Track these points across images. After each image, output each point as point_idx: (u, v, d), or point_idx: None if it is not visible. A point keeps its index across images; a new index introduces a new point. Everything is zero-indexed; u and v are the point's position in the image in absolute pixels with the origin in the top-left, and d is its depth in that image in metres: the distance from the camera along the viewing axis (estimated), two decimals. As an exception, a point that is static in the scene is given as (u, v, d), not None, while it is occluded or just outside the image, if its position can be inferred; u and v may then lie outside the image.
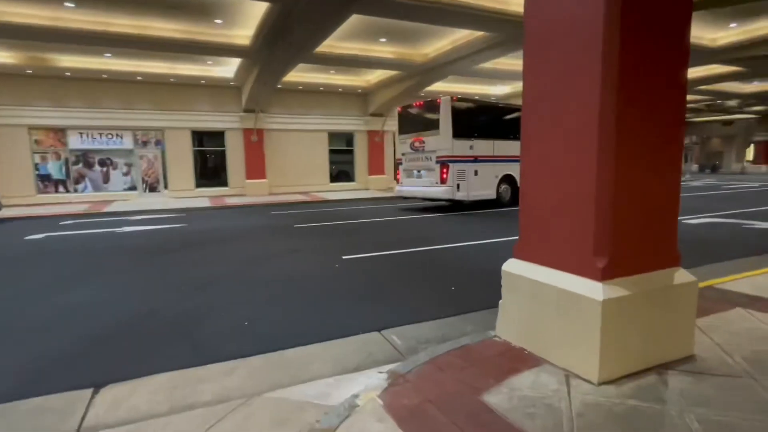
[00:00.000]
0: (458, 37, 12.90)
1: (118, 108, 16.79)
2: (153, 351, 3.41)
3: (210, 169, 19.17)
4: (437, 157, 11.64)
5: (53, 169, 16.42)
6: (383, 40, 13.34)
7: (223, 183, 19.10)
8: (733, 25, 12.63)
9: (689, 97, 25.32)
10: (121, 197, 17.17)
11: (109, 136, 16.91)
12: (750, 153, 39.29)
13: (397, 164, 13.41)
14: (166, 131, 17.69)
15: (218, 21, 11.45)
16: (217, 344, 3.50)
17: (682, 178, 17.51)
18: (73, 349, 3.45)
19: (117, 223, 11.23)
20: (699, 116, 35.34)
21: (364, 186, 21.60)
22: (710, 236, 7.70)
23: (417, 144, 12.25)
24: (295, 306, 4.40)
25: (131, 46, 12.32)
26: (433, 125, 11.68)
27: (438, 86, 19.32)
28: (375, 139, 21.34)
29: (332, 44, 13.33)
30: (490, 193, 12.28)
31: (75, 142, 16.50)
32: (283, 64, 13.55)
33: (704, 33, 13.31)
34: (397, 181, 13.32)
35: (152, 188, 17.68)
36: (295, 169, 20.14)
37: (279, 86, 17.84)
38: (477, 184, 11.85)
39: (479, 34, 12.02)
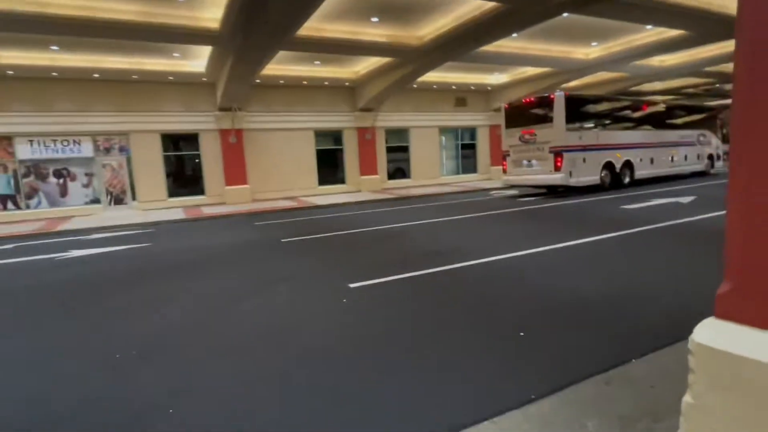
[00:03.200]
0: (461, 13, 11.25)
1: (73, 111, 14.72)
2: None
3: (184, 176, 17.19)
4: (551, 147, 12.82)
5: (0, 183, 14.29)
6: (375, 19, 11.62)
7: (200, 191, 17.12)
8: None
9: (690, 81, 24.19)
10: (82, 212, 15.10)
11: (65, 143, 14.83)
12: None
13: (504, 155, 14.59)
14: (132, 135, 15.67)
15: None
16: None
17: None
18: None
19: (66, 245, 9.28)
20: (677, 102, 34.43)
21: (356, 187, 19.84)
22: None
23: (527, 136, 13.48)
24: (293, 392, 2.65)
25: (78, 33, 10.36)
26: (546, 119, 12.97)
27: (431, 76, 17.68)
28: (366, 137, 19.60)
29: (317, 26, 11.57)
30: (595, 179, 13.56)
31: (24, 151, 14.38)
32: (261, 52, 11.72)
33: (731, 2, 11.89)
34: (504, 171, 14.63)
35: (118, 200, 15.65)
36: (280, 172, 18.27)
37: (258, 81, 15.99)
38: (585, 170, 13.19)
39: (488, 6, 10.38)
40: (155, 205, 16.07)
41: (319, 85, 17.90)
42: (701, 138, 17.76)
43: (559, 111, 12.68)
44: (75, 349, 3.58)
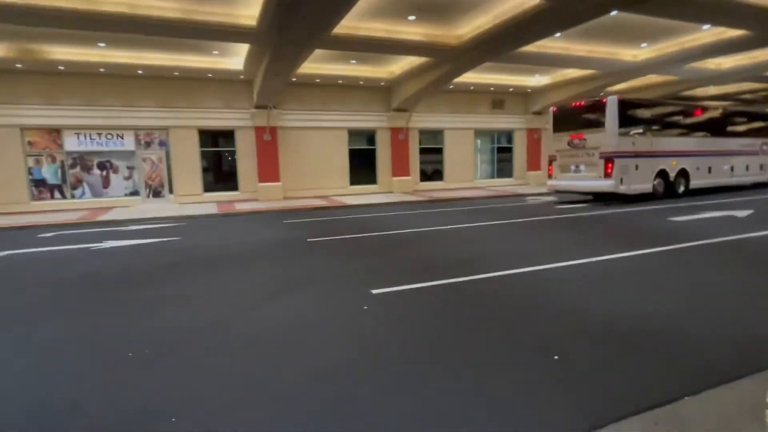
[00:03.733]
0: (502, 11, 10.83)
1: (118, 105, 15.28)
2: None
3: (219, 171, 17.53)
4: (601, 152, 12.44)
5: (48, 173, 15.00)
6: (412, 18, 11.37)
7: (234, 187, 17.41)
8: None
9: (747, 86, 22.57)
10: (122, 203, 15.65)
11: (109, 137, 15.41)
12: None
13: (550, 160, 14.25)
14: (171, 130, 16.11)
15: (219, -4, 9.72)
16: None
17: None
18: None
19: (102, 235, 9.56)
20: (739, 108, 32.17)
21: (388, 188, 19.65)
22: None
23: (576, 141, 13.17)
24: (296, 407, 2.45)
25: (123, 30, 10.68)
26: (597, 123, 12.61)
27: (468, 76, 17.25)
28: (399, 137, 19.37)
29: (353, 25, 11.45)
30: (647, 187, 13.03)
31: (72, 143, 15.04)
32: (297, 49, 11.71)
33: (804, -1, 10.90)
34: (549, 176, 14.27)
35: (156, 193, 16.13)
36: (313, 170, 18.33)
37: (294, 79, 16.07)
38: (637, 178, 12.70)
39: (530, 3, 9.92)
40: (190, 199, 16.46)
41: (355, 84, 17.82)
42: (765, 147, 16.61)
43: (611, 115, 12.30)
44: (81, 345, 3.54)
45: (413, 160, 20.10)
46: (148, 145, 15.99)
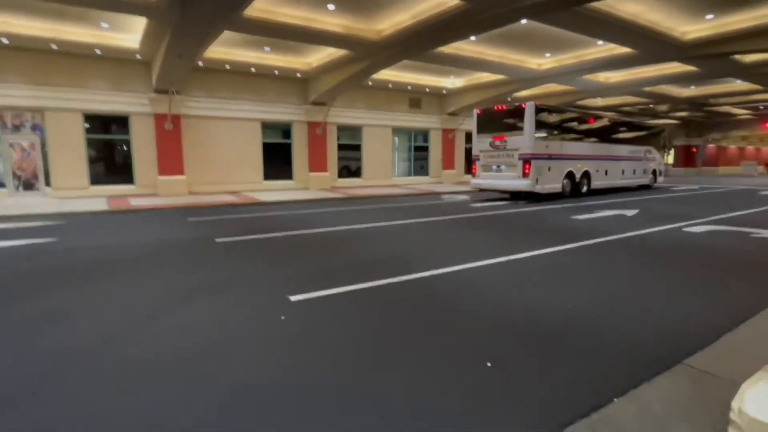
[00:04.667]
0: (422, 9, 10.83)
1: (-25, 80, 12.71)
2: None
3: (111, 162, 15.46)
4: (520, 154, 13.24)
5: None
6: (332, 7, 10.91)
7: (129, 180, 15.47)
8: (710, 16, 11.82)
9: (628, 99, 25.61)
10: (-19, 197, 13.08)
11: (-37, 117, 12.75)
12: (670, 157, 41.75)
13: (473, 160, 14.96)
14: (47, 113, 13.79)
15: (107, -41, 8.39)
16: None
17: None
18: None
19: (-52, 236, 7.76)
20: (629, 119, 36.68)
21: (305, 185, 18.91)
22: (738, 253, 6.28)
23: (498, 143, 13.95)
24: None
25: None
26: (516, 126, 13.45)
27: (386, 74, 17.25)
28: (317, 132, 18.74)
29: (267, 8, 10.70)
30: (557, 187, 14.09)
31: None
32: (202, 29, 10.60)
33: (677, 24, 12.45)
34: (473, 175, 14.97)
35: (28, 185, 13.72)
36: (222, 164, 16.97)
37: (200, 63, 14.73)
38: (549, 178, 13.70)
39: (449, 4, 10.02)
40: (74, 193, 14.27)
41: (269, 74, 16.82)
42: (647, 154, 18.91)
43: (529, 119, 13.10)
44: None
45: (331, 155, 19.59)
46: (16, 128, 13.53)
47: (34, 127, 13.73)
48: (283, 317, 3.73)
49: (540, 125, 13.45)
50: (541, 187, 13.46)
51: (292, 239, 7.51)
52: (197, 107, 16.13)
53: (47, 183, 14.00)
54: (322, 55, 15.25)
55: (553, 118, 14.43)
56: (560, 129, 14.57)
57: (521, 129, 13.30)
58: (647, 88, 21.22)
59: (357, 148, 20.70)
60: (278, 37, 12.40)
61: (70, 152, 14.22)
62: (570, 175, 14.63)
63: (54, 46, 12.98)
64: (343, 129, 20.08)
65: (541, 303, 4.06)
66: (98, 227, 8.99)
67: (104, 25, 12.01)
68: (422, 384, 2.62)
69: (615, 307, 3.97)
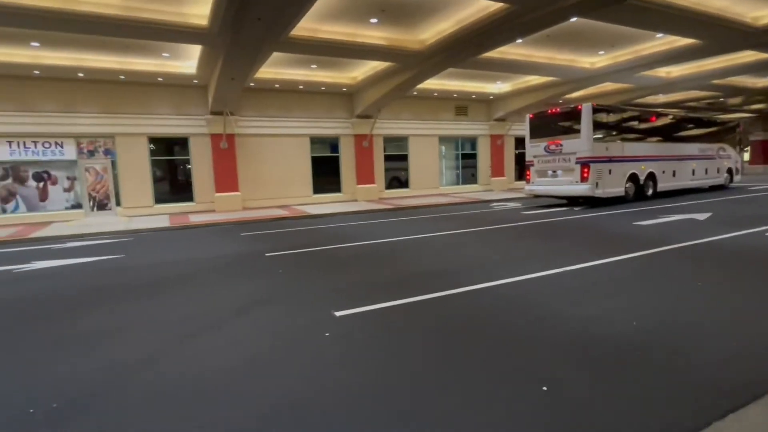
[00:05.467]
0: (465, 15, 10.66)
1: (56, 111, 14.03)
2: None
3: (173, 181, 16.47)
4: (577, 158, 12.68)
5: (-25, 185, 13.54)
6: (374, 20, 11.02)
7: (189, 198, 16.39)
8: (787, -3, 10.70)
9: (693, 94, 23.77)
10: (62, 217, 14.34)
11: (47, 145, 14.12)
12: (746, 154, 38.20)
13: (527, 165, 14.45)
14: (118, 138, 14.97)
15: (165, -7, 9.00)
16: None
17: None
18: None
19: (32, 255, 8.52)
20: (697, 114, 34.04)
21: (353, 197, 19.14)
22: None
23: (553, 147, 13.43)
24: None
25: (57, 28, 9.73)
26: (572, 129, 12.92)
27: (431, 83, 17.12)
28: (363, 144, 18.95)
29: (312, 27, 10.98)
30: (620, 190, 13.37)
31: (2, 152, 13.64)
32: (252, 52, 11.07)
33: (748, 9, 11.38)
34: (527, 181, 14.46)
35: (101, 206, 14.86)
36: (274, 179, 17.56)
37: (251, 84, 15.39)
38: (610, 182, 13.03)
39: (493, 8, 9.79)
40: (140, 211, 15.33)
41: (316, 90, 17.29)
42: (720, 152, 17.49)
43: (586, 121, 12.55)
44: (-18, 399, 2.84)
45: (378, 167, 19.72)
46: (91, 153, 14.78)
47: (106, 152, 14.93)
48: (327, 334, 3.69)
49: (598, 126, 12.82)
50: (602, 192, 12.79)
51: (339, 252, 7.54)
52: (249, 126, 16.85)
53: (117, 203, 15.13)
54: (366, 69, 15.44)
55: (612, 118, 13.70)
56: (620, 129, 13.81)
57: (578, 131, 12.75)
58: (715, 81, 19.54)
59: (404, 158, 20.69)
60: (323, 54, 12.70)
61: (137, 174, 15.31)
62: (633, 178, 13.78)
63: (122, 77, 14.11)
64: (389, 140, 20.17)
65: (603, 320, 3.73)
66: (161, 243, 9.52)
67: (165, 54, 12.88)
68: (468, 408, 2.45)
69: (691, 325, 3.56)
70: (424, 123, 20.62)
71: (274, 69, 14.70)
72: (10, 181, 13.90)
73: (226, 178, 16.36)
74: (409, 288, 4.92)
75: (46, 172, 14.32)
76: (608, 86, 19.73)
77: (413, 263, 6.36)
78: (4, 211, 13.88)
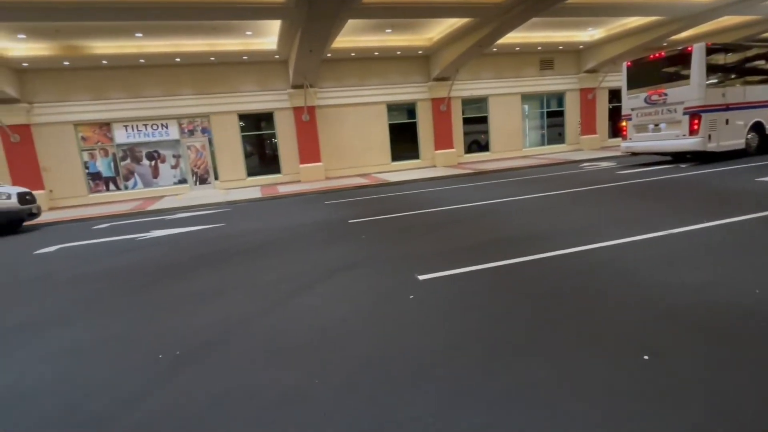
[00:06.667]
0: (551, -44, 9.68)
1: (160, 95, 15.53)
2: None
3: (261, 155, 17.58)
4: (685, 108, 11.36)
5: (102, 166, 15.63)
6: (450, -26, 10.45)
7: (276, 170, 17.43)
8: None
9: None
10: (171, 192, 16.11)
11: (154, 127, 15.76)
12: None
13: (623, 120, 13.20)
14: (212, 117, 16.23)
15: (245, -29, 9.32)
16: None
17: None
18: None
19: (149, 225, 9.73)
20: None
21: (431, 163, 18.95)
22: None
23: (655, 97, 12.08)
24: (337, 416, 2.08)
25: (153, 16, 10.61)
26: (680, 75, 11.48)
27: (513, 36, 15.98)
28: (440, 108, 18.50)
29: (386, -12, 10.74)
30: (739, 143, 11.83)
31: (121, 136, 15.53)
32: (328, 22, 11.17)
33: None
34: (623, 137, 13.19)
35: (203, 180, 16.42)
36: (353, 148, 17.96)
37: (329, 55, 15.63)
38: (727, 133, 11.52)
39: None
40: (235, 184, 16.66)
41: (392, 55, 17.07)
42: None
43: (698, 65, 11.01)
44: (127, 344, 3.36)
45: (456, 131, 19.19)
46: (191, 132, 16.22)
47: (204, 131, 16.28)
48: (411, 296, 3.76)
49: (713, 69, 11.22)
50: (716, 145, 11.31)
51: (419, 218, 7.57)
52: (328, 97, 17.23)
53: (216, 177, 16.56)
54: (442, 28, 14.85)
55: (731, 58, 11.85)
56: (741, 71, 11.98)
57: (686, 77, 11.27)
58: None
59: (483, 120, 19.87)
60: (398, 16, 12.42)
61: (231, 149, 16.55)
62: (757, 127, 12.00)
63: (212, 58, 15.10)
64: (467, 102, 19.43)
65: (719, 286, 3.35)
66: (255, 212, 10.31)
67: (248, 32, 13.50)
68: (556, 378, 2.37)
69: (831, 293, 3.06)
70: (505, 81, 19.48)
71: (350, 37, 14.73)
72: (128, 161, 15.83)
73: (309, 150, 17.04)
74: (493, 252, 4.81)
75: (156, 152, 16.05)
76: (726, 21, 16.94)
77: (497, 227, 6.18)
78: (126, 187, 15.91)
